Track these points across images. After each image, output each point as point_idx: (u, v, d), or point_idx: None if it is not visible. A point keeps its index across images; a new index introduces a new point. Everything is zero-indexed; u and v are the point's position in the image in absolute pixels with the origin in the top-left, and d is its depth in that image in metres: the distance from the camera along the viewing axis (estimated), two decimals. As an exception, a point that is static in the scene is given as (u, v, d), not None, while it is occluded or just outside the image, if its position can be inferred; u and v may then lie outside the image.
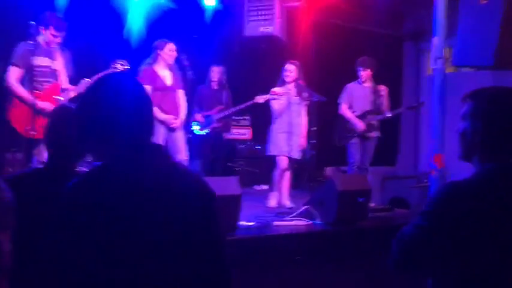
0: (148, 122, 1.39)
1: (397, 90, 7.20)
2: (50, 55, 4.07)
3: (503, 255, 1.36)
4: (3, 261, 1.19)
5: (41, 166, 1.81)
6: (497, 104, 1.44)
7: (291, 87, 4.90)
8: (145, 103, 1.39)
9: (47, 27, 4.02)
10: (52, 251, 1.24)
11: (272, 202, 4.83)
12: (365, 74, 5.19)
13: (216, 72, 5.83)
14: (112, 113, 1.31)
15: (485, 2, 3.45)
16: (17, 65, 3.90)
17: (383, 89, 5.23)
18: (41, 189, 1.42)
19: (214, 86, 5.85)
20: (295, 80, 4.91)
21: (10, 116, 3.92)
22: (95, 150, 1.39)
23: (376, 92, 5.22)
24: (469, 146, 1.46)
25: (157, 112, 4.46)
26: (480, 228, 1.35)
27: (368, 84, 5.24)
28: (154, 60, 4.61)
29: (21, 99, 3.88)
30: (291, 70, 4.92)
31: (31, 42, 3.90)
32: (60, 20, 4.07)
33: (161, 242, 1.26)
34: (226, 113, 5.78)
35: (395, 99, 6.51)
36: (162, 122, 4.50)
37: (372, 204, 4.55)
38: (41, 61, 4.00)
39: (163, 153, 1.39)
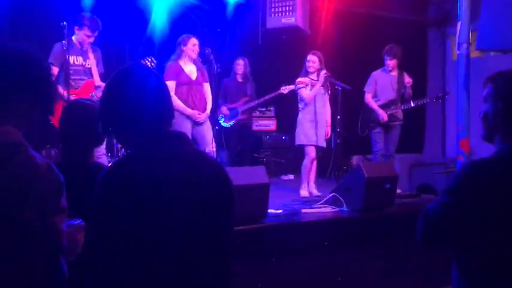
0: (166, 111, 1.46)
1: (423, 76, 7.12)
2: (83, 54, 4.26)
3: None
4: (61, 241, 1.31)
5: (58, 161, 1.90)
6: None
7: (314, 77, 4.94)
8: (163, 93, 1.47)
9: (81, 27, 4.19)
10: (91, 239, 1.35)
11: (304, 192, 4.84)
12: (392, 63, 5.15)
13: (240, 65, 5.91)
14: (131, 103, 1.40)
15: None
16: (52, 64, 4.09)
17: (408, 80, 5.19)
18: None
19: (239, 78, 5.94)
20: (318, 70, 4.95)
21: None
22: (119, 139, 1.50)
23: (401, 82, 5.19)
24: (491, 127, 1.51)
25: (183, 106, 4.58)
26: (502, 204, 1.40)
27: (394, 73, 5.21)
28: (179, 56, 4.72)
29: (59, 97, 4.07)
30: (313, 60, 4.95)
31: (65, 42, 4.08)
32: (94, 20, 4.22)
33: (184, 223, 1.35)
34: (251, 104, 5.87)
35: (421, 86, 6.45)
36: (188, 117, 4.62)
37: (399, 191, 4.57)
38: (75, 60, 4.21)
39: (184, 140, 1.46)
